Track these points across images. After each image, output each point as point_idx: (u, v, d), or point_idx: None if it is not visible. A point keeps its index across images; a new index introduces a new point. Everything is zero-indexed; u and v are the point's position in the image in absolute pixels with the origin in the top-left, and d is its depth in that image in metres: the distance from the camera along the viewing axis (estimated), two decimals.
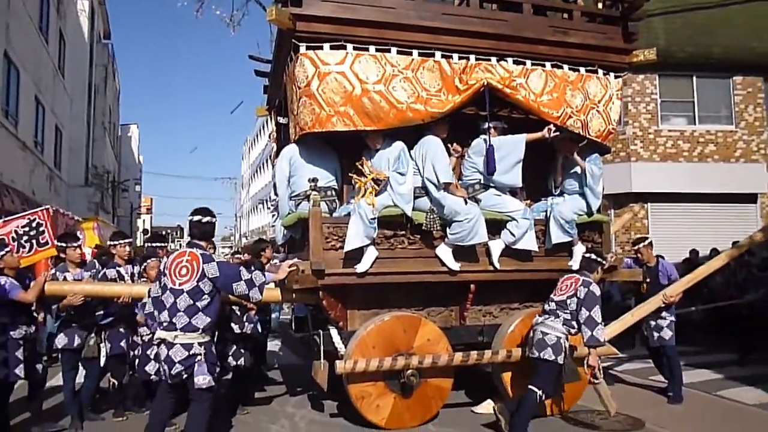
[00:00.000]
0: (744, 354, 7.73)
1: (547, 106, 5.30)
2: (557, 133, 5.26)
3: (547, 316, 4.71)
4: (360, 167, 5.05)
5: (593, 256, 4.89)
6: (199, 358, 3.74)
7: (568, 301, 4.64)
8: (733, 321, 8.28)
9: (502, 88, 5.21)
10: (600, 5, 5.89)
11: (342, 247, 4.92)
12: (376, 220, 4.85)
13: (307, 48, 4.90)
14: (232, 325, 5.60)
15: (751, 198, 13.01)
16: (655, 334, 5.86)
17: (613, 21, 5.71)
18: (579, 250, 5.44)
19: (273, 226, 6.48)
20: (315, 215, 4.89)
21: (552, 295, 4.81)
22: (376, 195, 4.95)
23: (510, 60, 5.30)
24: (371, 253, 4.91)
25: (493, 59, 5.27)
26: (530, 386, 4.53)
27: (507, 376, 5.23)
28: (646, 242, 6.14)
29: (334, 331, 5.09)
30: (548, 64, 5.41)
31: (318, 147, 5.34)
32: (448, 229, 5.06)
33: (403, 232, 5.13)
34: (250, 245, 6.41)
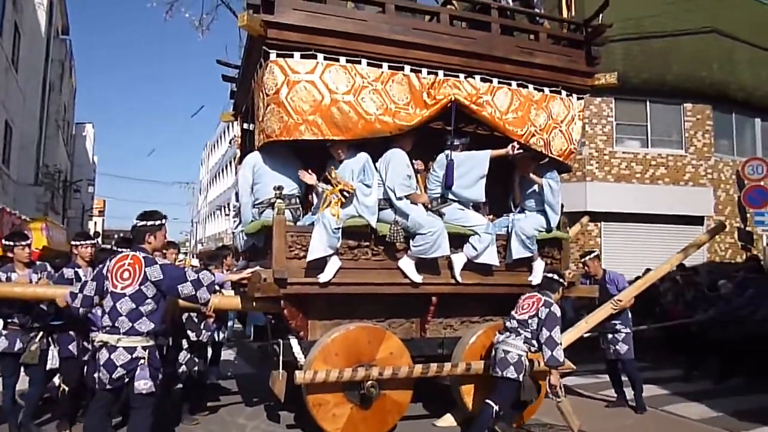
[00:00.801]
0: (690, 370, 8.01)
1: (511, 124, 5.42)
2: (520, 151, 5.38)
3: (508, 333, 4.80)
4: (328, 177, 5.03)
5: (555, 276, 5.02)
6: (142, 362, 3.68)
7: (530, 321, 4.76)
8: (682, 339, 8.59)
9: (469, 105, 5.29)
10: (564, 29, 6.08)
11: (305, 257, 4.88)
12: (340, 231, 4.84)
13: (278, 56, 4.88)
14: (189, 332, 5.48)
15: (698, 220, 13.46)
16: (611, 348, 6.05)
17: (577, 44, 5.89)
18: (539, 265, 5.56)
19: (234, 232, 6.38)
20: (279, 223, 4.84)
21: (513, 313, 4.91)
22: (341, 206, 4.94)
23: (477, 77, 5.40)
24: (334, 263, 4.89)
25: (461, 76, 5.35)
26: (487, 401, 4.59)
27: (465, 389, 5.27)
28: (593, 255, 6.37)
29: (294, 341, 5.03)
30: (514, 83, 5.53)
31: (282, 155, 5.31)
32: (411, 241, 5.09)
33: (367, 243, 5.13)
34: (210, 251, 6.28)
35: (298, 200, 5.29)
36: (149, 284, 3.78)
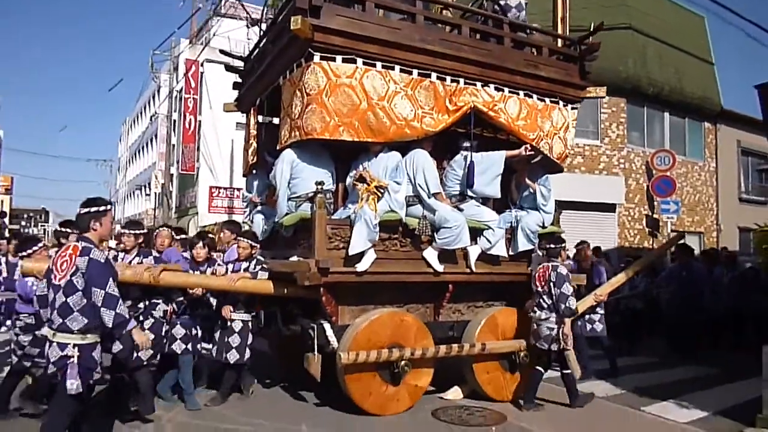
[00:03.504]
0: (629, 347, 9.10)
1: (524, 129, 6.04)
2: (532, 152, 6.03)
3: (547, 312, 5.66)
4: (363, 175, 5.42)
5: (553, 245, 5.82)
6: (71, 360, 3.54)
7: (547, 288, 5.62)
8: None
9: (487, 111, 5.85)
10: (559, 43, 6.75)
11: (343, 248, 5.29)
12: (377, 225, 5.28)
13: (321, 58, 5.19)
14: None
15: (611, 207, 14.56)
16: (588, 326, 6.94)
17: (572, 59, 6.58)
18: (536, 256, 6.25)
19: (248, 221, 6.60)
20: (321, 217, 5.21)
21: (536, 288, 5.75)
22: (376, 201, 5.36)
23: (492, 86, 5.96)
24: (370, 255, 5.33)
25: (479, 84, 5.89)
26: (537, 367, 5.72)
27: (477, 366, 5.90)
28: (586, 245, 7.23)
29: (327, 326, 5.43)
30: (522, 93, 6.14)
31: (316, 151, 5.64)
32: (436, 234, 5.61)
33: (396, 236, 5.59)
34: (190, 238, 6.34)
35: (330, 194, 5.65)
36: (79, 275, 3.60)
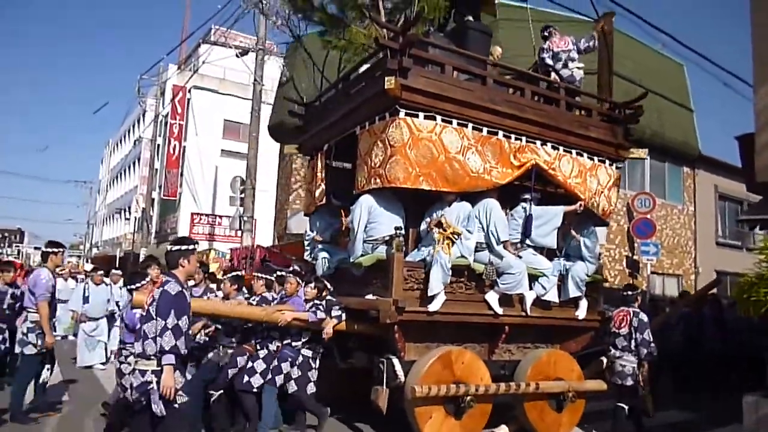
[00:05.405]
0: None
1: (575, 187, 6.58)
2: (582, 208, 6.56)
3: (621, 350, 6.20)
4: (441, 221, 5.88)
5: (630, 292, 6.42)
6: (151, 386, 3.90)
7: (627, 331, 6.15)
8: None
9: (547, 169, 6.39)
10: (605, 106, 7.35)
11: (416, 288, 5.74)
12: (450, 269, 5.72)
13: (406, 114, 5.71)
14: None
15: None
16: None
17: (617, 122, 7.18)
18: (584, 303, 6.73)
19: (313, 259, 6.96)
20: (399, 260, 5.66)
21: (614, 329, 6.27)
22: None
23: (549, 145, 6.52)
24: (442, 296, 5.76)
25: (538, 143, 6.44)
26: (618, 404, 6.17)
27: (528, 405, 6.29)
28: None
29: (396, 360, 5.81)
30: (574, 152, 6.71)
31: (390, 198, 6.09)
32: (498, 279, 6.07)
33: (463, 279, 6.05)
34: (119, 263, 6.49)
35: (402, 238, 6.09)
36: (154, 305, 3.95)
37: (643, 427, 7.19)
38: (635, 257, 15.20)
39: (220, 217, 25.16)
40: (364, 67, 6.74)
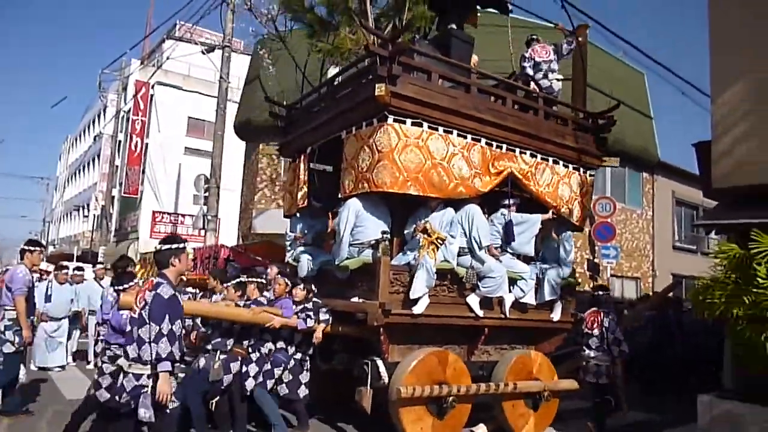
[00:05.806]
0: None
1: (548, 196, 6.82)
2: (555, 216, 6.80)
3: (596, 350, 6.45)
4: (426, 227, 6.00)
5: (600, 292, 6.75)
6: (145, 390, 3.88)
7: (599, 331, 6.44)
8: None
9: (521, 178, 6.60)
10: (581, 116, 7.62)
11: (402, 291, 5.86)
12: (435, 273, 5.86)
13: (394, 120, 5.81)
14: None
15: None
16: None
17: (590, 131, 7.46)
18: (558, 305, 6.98)
19: (295, 261, 6.98)
20: (385, 263, 5.76)
21: (588, 331, 6.52)
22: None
23: (528, 153, 6.73)
24: (426, 299, 5.90)
25: (518, 151, 6.65)
26: (596, 401, 6.47)
27: (506, 404, 6.49)
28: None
29: (380, 362, 5.91)
30: (551, 160, 6.94)
31: (377, 202, 6.18)
32: (479, 282, 6.25)
33: (446, 283, 6.19)
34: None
35: (388, 242, 6.19)
36: (146, 308, 3.87)
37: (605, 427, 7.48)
38: (596, 260, 15.55)
39: (183, 215, 24.72)
40: (351, 72, 6.82)
